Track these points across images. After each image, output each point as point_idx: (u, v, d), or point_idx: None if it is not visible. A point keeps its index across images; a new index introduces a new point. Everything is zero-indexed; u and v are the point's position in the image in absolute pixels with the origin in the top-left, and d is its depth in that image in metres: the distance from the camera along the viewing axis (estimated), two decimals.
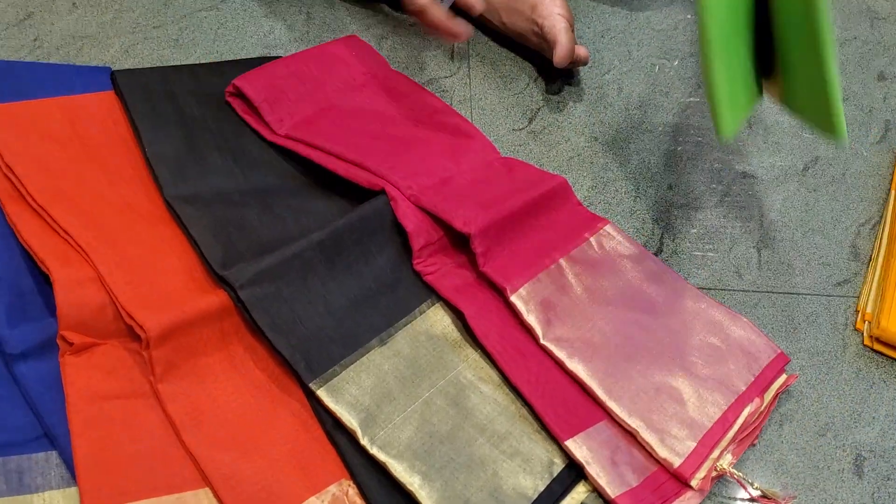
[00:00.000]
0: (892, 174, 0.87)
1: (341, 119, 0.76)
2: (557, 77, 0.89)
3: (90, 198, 0.67)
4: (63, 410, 0.57)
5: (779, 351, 0.70)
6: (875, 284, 0.77)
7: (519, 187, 0.74)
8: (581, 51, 0.84)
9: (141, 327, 0.58)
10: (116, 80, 0.74)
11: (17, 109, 0.70)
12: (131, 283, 0.61)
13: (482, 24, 0.92)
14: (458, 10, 0.89)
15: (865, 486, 0.66)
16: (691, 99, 0.90)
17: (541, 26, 0.83)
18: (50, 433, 0.57)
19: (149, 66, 0.82)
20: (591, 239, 0.75)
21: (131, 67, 0.81)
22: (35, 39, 0.82)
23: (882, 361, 0.73)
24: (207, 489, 0.56)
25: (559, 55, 0.81)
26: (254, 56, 0.85)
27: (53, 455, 0.57)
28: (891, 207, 0.82)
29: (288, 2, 0.90)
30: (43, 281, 0.63)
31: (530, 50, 0.90)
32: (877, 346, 0.74)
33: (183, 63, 0.83)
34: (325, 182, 0.73)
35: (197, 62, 0.83)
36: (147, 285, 0.61)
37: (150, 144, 0.70)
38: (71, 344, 0.59)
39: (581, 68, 0.91)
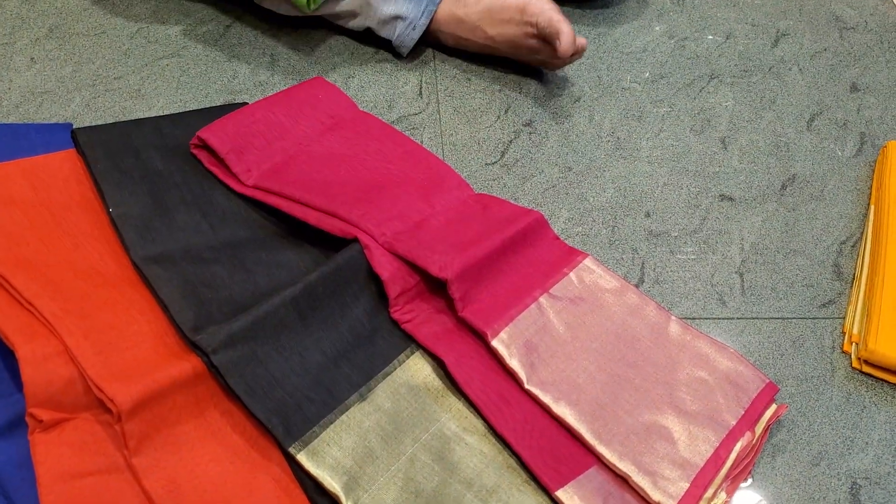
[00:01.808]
0: (871, 188, 0.86)
1: (310, 166, 0.74)
2: (528, 108, 0.88)
3: (55, 264, 0.65)
4: (34, 491, 0.55)
5: (767, 381, 0.69)
6: (860, 304, 0.76)
7: (494, 226, 0.73)
8: (581, 40, 0.85)
9: (112, 401, 0.56)
10: (77, 139, 0.72)
11: None
12: (100, 354, 0.59)
13: (459, 50, 0.91)
14: (426, 40, 0.88)
15: None
16: (664, 127, 0.89)
17: (536, 24, 0.83)
18: None
19: (111, 118, 0.81)
20: (571, 274, 0.73)
21: (93, 122, 0.79)
22: None
23: (872, 383, 0.72)
24: None
25: (565, 43, 0.82)
26: (218, 104, 0.83)
27: None
28: (871, 223, 0.82)
29: (251, 45, 0.89)
30: (9, 353, 0.61)
31: (500, 81, 0.89)
32: (865, 368, 0.73)
33: (146, 114, 0.81)
34: (297, 232, 0.72)
35: (161, 112, 0.82)
36: (117, 355, 0.59)
37: (115, 205, 0.69)
38: (41, 421, 0.57)
39: (551, 96, 0.90)
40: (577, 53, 0.86)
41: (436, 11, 0.87)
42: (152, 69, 0.85)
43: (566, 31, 0.82)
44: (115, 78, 0.84)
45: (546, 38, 0.84)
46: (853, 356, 0.74)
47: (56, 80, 0.83)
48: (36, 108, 0.80)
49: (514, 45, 0.87)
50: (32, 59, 0.84)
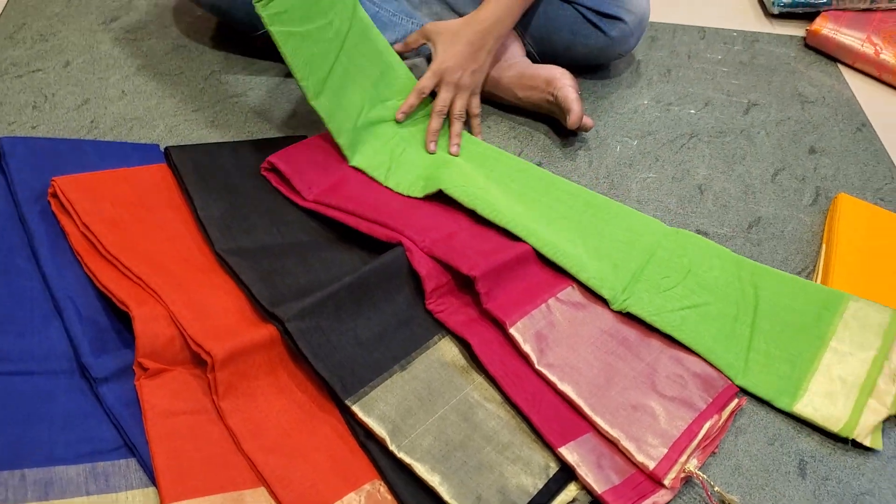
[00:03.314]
0: (823, 231, 1.02)
1: (360, 186, 0.90)
2: (538, 152, 1.05)
3: (155, 251, 0.79)
4: (140, 424, 0.69)
5: (730, 382, 0.83)
6: None
7: (511, 242, 0.88)
8: (587, 120, 1.02)
9: (208, 353, 0.70)
10: (171, 155, 0.87)
11: (90, 179, 0.83)
12: (197, 319, 0.73)
13: (494, 102, 1.08)
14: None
15: (808, 485, 0.78)
16: (650, 174, 1.06)
17: (555, 97, 1.01)
18: (130, 443, 0.68)
19: (190, 143, 0.96)
20: (574, 286, 0.88)
21: (178, 144, 0.94)
22: (92, 121, 0.96)
23: None
24: (263, 488, 0.67)
25: (572, 120, 1.00)
26: (280, 135, 0.99)
27: (133, 461, 0.68)
28: (822, 258, 0.97)
29: None
30: (116, 319, 0.75)
31: (515, 130, 1.06)
32: None
33: (220, 140, 0.97)
34: (349, 238, 0.87)
35: (232, 139, 0.97)
36: (209, 320, 0.74)
37: (202, 208, 0.84)
38: (146, 369, 0.71)
39: (558, 144, 1.06)
40: (584, 128, 1.04)
41: None
42: (224, 105, 1.01)
43: (575, 111, 1.00)
44: (192, 110, 1.00)
45: (561, 110, 1.02)
46: None
47: (144, 110, 0.98)
48: (127, 131, 0.96)
49: (536, 106, 1.06)
50: (123, 91, 1.00)
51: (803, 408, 0.81)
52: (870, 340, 0.85)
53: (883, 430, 0.82)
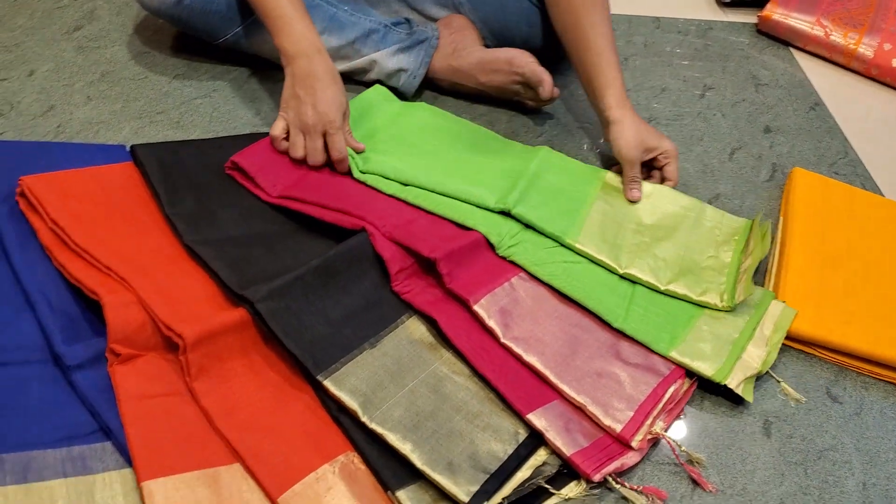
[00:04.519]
0: (780, 204, 1.05)
1: (322, 180, 0.92)
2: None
3: (123, 243, 0.81)
4: (115, 409, 0.70)
5: None
6: (771, 287, 0.94)
7: (463, 231, 0.90)
8: (556, 89, 1.07)
9: (179, 336, 0.71)
10: (136, 153, 0.89)
11: (57, 177, 0.84)
12: (167, 304, 0.74)
13: (456, 92, 1.12)
14: (425, 83, 1.07)
15: (773, 443, 0.80)
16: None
17: (522, 74, 1.04)
18: (105, 427, 0.69)
19: None
20: None
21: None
22: (58, 126, 0.97)
23: (782, 348, 0.89)
24: (238, 464, 0.69)
25: (546, 90, 1.04)
26: (245, 133, 1.01)
27: (109, 444, 0.69)
28: (780, 229, 1.00)
29: (270, 90, 1.07)
30: (87, 309, 0.76)
31: (484, 117, 1.08)
32: None
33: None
34: (314, 228, 0.88)
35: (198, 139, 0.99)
36: (180, 305, 0.75)
37: (169, 204, 0.85)
38: (118, 355, 0.72)
39: (519, 133, 1.09)
40: (554, 98, 1.07)
41: (433, 63, 1.08)
42: (189, 106, 1.03)
43: (547, 80, 1.04)
44: (157, 112, 1.01)
45: (530, 85, 1.05)
46: None
47: (109, 114, 1.00)
48: (94, 135, 0.97)
49: (500, 89, 1.08)
50: (89, 97, 1.02)
51: (679, 355, 0.84)
52: (743, 309, 0.89)
53: (844, 389, 0.85)
